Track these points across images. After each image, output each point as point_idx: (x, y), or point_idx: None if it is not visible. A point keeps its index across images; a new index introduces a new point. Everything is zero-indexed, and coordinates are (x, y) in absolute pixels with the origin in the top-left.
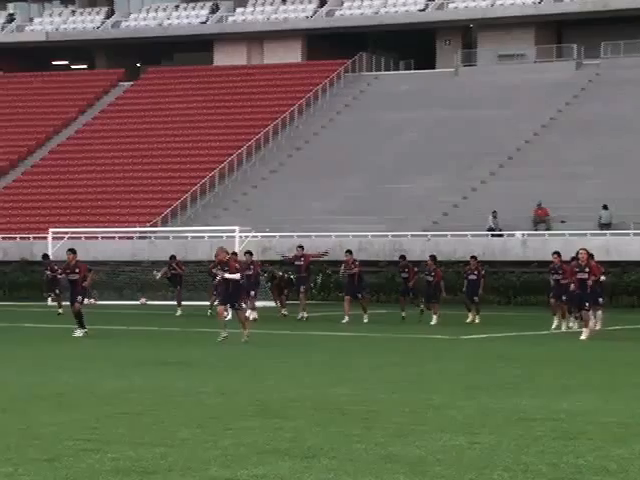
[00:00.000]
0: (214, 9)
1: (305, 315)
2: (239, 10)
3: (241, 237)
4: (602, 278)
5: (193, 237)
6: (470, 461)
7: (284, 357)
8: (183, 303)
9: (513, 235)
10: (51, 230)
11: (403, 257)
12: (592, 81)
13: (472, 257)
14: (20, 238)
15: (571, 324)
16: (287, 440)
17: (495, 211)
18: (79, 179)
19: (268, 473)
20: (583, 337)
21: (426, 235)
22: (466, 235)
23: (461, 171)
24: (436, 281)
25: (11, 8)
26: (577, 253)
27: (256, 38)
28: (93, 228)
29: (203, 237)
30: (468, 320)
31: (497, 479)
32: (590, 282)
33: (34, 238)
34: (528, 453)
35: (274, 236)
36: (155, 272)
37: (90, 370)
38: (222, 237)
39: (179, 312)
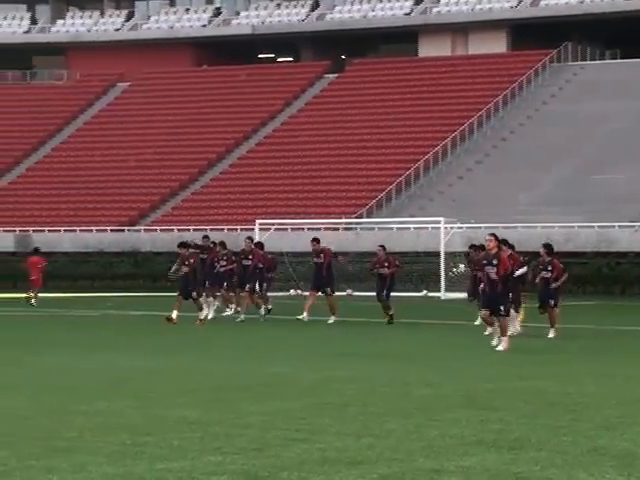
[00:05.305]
0: (418, 0)
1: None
2: (443, 1)
3: (446, 228)
4: (519, 272)
5: (398, 228)
6: None
7: (480, 348)
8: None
9: None
10: (258, 221)
11: (478, 247)
12: None
13: (380, 247)
14: (228, 229)
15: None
16: (493, 432)
17: None
18: (285, 171)
19: (474, 465)
20: (500, 348)
21: (633, 226)
22: None
23: None
24: (555, 276)
25: (218, 2)
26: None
27: (461, 29)
28: (299, 219)
29: (409, 228)
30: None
31: None
32: (497, 278)
33: (241, 229)
34: None
35: (479, 227)
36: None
37: (288, 360)
38: (427, 228)
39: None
